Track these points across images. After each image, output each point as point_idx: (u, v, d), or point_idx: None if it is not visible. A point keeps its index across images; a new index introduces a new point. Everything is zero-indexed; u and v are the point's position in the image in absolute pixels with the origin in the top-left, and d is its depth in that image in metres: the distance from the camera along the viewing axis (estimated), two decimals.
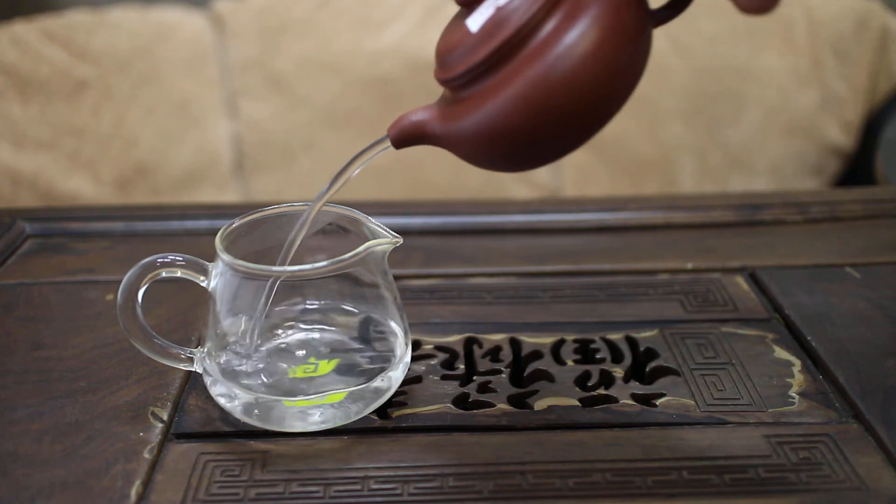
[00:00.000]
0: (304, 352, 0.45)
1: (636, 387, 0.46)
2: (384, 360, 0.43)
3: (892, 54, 1.32)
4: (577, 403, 0.45)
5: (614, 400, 0.45)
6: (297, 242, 0.42)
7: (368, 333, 0.45)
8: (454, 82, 0.35)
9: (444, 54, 0.36)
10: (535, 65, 0.33)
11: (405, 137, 0.38)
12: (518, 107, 0.34)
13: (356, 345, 0.45)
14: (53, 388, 0.46)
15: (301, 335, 0.46)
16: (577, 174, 1.33)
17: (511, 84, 0.34)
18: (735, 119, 1.31)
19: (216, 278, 0.42)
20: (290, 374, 0.44)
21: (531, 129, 0.34)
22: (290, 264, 0.42)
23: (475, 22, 0.34)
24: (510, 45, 0.33)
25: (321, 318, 0.46)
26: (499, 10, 0.34)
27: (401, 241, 0.42)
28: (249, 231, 0.44)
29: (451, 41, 0.35)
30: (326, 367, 0.44)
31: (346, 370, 0.44)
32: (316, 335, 0.46)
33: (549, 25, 0.33)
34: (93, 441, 0.42)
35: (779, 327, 0.51)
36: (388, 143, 0.39)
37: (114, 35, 1.23)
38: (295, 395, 0.41)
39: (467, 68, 0.34)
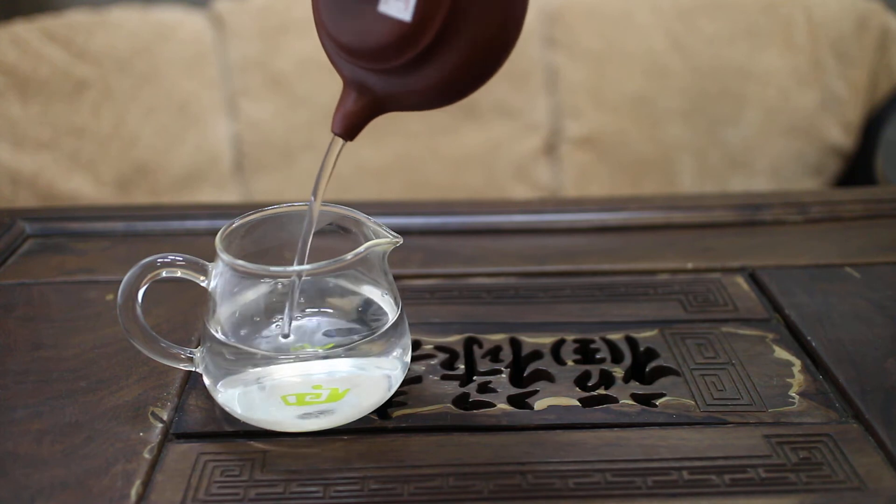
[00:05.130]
0: (301, 337, 0.45)
1: (636, 387, 0.46)
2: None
3: (892, 54, 1.32)
4: (577, 403, 0.45)
5: (614, 400, 0.45)
6: (306, 251, 0.42)
7: (367, 319, 0.45)
8: (403, 65, 0.36)
9: (380, 47, 0.36)
10: (475, 22, 0.35)
11: (355, 129, 0.39)
12: (473, 58, 0.36)
13: (355, 328, 0.45)
14: (53, 388, 0.46)
15: (299, 324, 0.46)
16: (577, 174, 1.33)
17: (461, 44, 0.35)
18: (735, 119, 1.31)
19: (216, 278, 0.42)
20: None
21: (482, 68, 0.37)
22: (290, 263, 0.42)
23: (399, 8, 0.35)
24: (451, 18, 0.35)
25: (320, 314, 0.46)
26: None
27: (401, 241, 0.42)
28: (249, 231, 0.44)
29: (384, 33, 0.35)
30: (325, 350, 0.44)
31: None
32: (314, 321, 0.46)
33: None
34: (93, 441, 0.42)
35: (779, 327, 0.51)
36: (341, 141, 0.40)
37: (114, 35, 1.23)
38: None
39: (419, 52, 0.35)
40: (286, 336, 0.43)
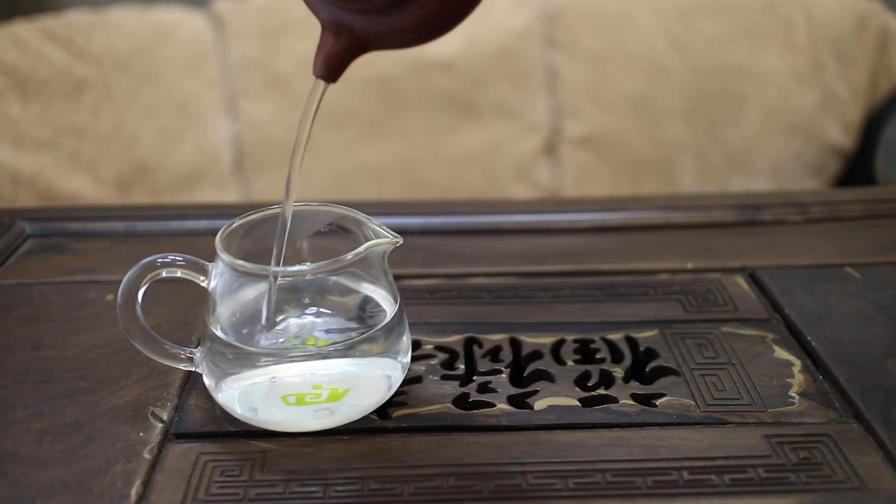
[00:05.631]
0: (301, 333, 0.45)
1: (636, 387, 0.46)
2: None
3: (892, 54, 1.32)
4: (577, 403, 0.45)
5: (614, 400, 0.45)
6: (289, 218, 0.41)
7: (366, 319, 0.45)
8: (386, 4, 0.36)
9: None
10: None
11: (337, 70, 0.39)
12: None
13: (354, 327, 0.45)
14: (53, 388, 0.46)
15: (299, 322, 0.46)
16: (577, 174, 1.33)
17: None
18: (735, 119, 1.31)
19: (216, 278, 0.42)
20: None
21: (465, 1, 0.36)
22: (291, 263, 0.42)
23: None
24: None
25: (320, 313, 0.46)
26: None
27: (401, 241, 0.42)
28: (249, 231, 0.44)
29: None
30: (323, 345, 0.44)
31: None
32: (314, 320, 0.46)
33: None
34: (93, 441, 0.42)
35: (779, 327, 0.51)
36: (323, 84, 0.39)
37: (114, 35, 1.23)
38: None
39: None
40: (270, 325, 0.43)
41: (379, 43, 0.38)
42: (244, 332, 0.44)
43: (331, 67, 0.38)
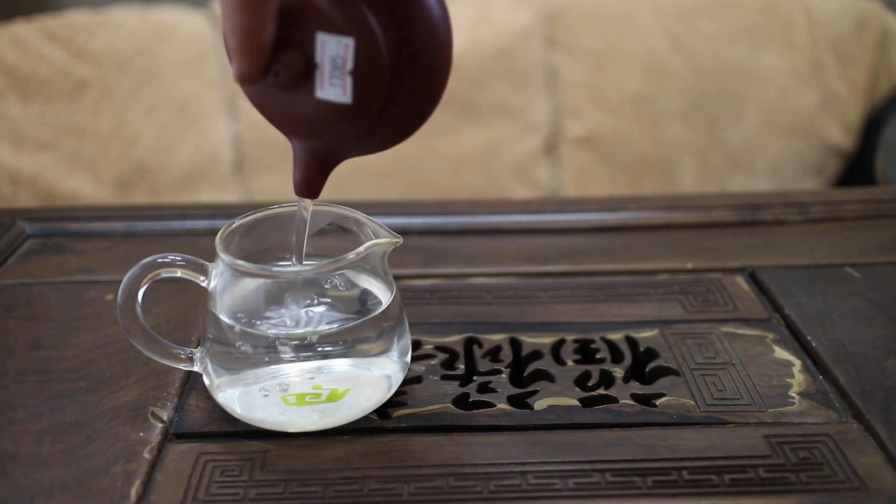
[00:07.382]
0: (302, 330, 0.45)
1: (636, 387, 0.46)
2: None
3: (892, 54, 1.32)
4: (577, 403, 0.45)
5: (614, 400, 0.45)
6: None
7: (364, 311, 0.45)
8: (354, 136, 0.37)
9: (325, 128, 0.37)
10: (413, 77, 0.35)
11: (319, 188, 0.40)
12: (417, 108, 0.37)
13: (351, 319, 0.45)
14: (53, 388, 0.46)
15: (297, 319, 0.46)
16: (577, 174, 1.33)
17: (404, 103, 0.36)
18: (735, 119, 1.31)
19: (216, 278, 0.42)
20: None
21: (428, 107, 0.37)
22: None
23: (337, 94, 0.35)
24: (391, 88, 0.35)
25: (318, 314, 0.46)
26: (353, 72, 0.34)
27: (401, 241, 0.42)
28: (249, 231, 0.44)
29: (327, 117, 0.36)
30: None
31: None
32: (312, 317, 0.46)
33: (395, 45, 0.34)
34: (93, 441, 0.42)
35: (779, 327, 0.51)
36: (310, 203, 0.41)
37: (114, 35, 1.23)
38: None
39: (367, 122, 0.36)
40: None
41: (352, 155, 0.40)
42: (244, 332, 0.44)
43: (312, 188, 0.40)
